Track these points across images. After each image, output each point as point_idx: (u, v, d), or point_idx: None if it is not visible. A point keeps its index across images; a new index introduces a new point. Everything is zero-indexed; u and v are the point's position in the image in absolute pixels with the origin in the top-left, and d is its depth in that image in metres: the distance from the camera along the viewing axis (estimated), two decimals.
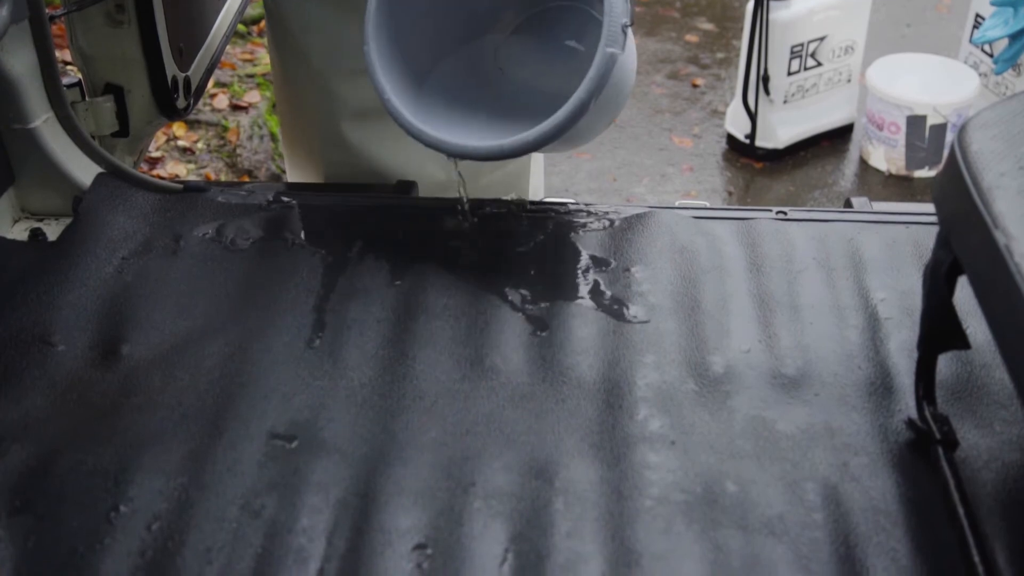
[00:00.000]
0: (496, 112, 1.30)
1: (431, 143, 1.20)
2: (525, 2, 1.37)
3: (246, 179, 2.99)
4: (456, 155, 1.20)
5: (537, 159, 1.76)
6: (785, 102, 3.17)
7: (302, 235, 1.31)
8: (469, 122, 1.28)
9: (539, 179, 1.80)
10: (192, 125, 3.39)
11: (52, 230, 1.37)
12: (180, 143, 3.34)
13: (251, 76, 3.52)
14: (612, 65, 1.13)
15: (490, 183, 1.61)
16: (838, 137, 3.33)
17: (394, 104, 1.21)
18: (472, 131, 1.25)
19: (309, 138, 1.57)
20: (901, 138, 3.11)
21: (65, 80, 1.37)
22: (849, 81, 3.27)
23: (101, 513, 0.96)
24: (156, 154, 3.24)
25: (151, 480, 1.00)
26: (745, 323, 1.18)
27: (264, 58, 3.50)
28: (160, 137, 3.29)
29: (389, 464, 1.01)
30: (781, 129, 3.21)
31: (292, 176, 1.68)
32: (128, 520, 0.96)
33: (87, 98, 1.45)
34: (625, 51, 1.15)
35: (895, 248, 1.28)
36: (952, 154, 0.93)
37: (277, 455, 1.02)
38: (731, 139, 3.29)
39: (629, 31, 1.15)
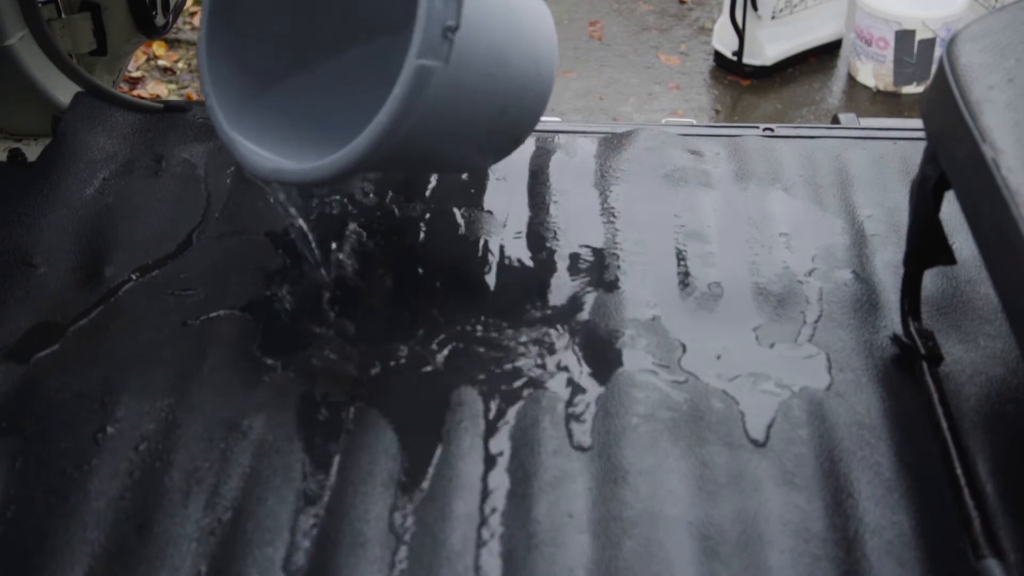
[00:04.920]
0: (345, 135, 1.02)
1: (242, 158, 1.01)
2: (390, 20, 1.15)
3: None
4: (264, 175, 1.01)
5: None
6: (773, 18, 3.13)
7: None
8: (316, 142, 1.05)
9: None
10: (173, 44, 3.34)
11: (31, 151, 1.36)
12: (161, 63, 3.29)
13: None
14: (428, 80, 0.92)
15: None
16: (826, 53, 3.30)
17: (211, 104, 1.03)
18: (310, 152, 1.03)
19: None
20: (889, 53, 3.07)
21: None
22: None
23: (88, 434, 0.97)
24: (136, 74, 3.20)
25: (137, 401, 1.00)
26: (733, 241, 1.17)
27: None
28: (140, 56, 3.24)
29: (375, 384, 1.01)
30: (769, 46, 3.17)
31: None
32: (115, 441, 0.96)
33: (63, 15, 1.42)
34: (461, 60, 0.94)
35: (882, 164, 1.27)
36: (941, 68, 0.91)
37: (263, 377, 1.02)
38: (718, 56, 3.25)
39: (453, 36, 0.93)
